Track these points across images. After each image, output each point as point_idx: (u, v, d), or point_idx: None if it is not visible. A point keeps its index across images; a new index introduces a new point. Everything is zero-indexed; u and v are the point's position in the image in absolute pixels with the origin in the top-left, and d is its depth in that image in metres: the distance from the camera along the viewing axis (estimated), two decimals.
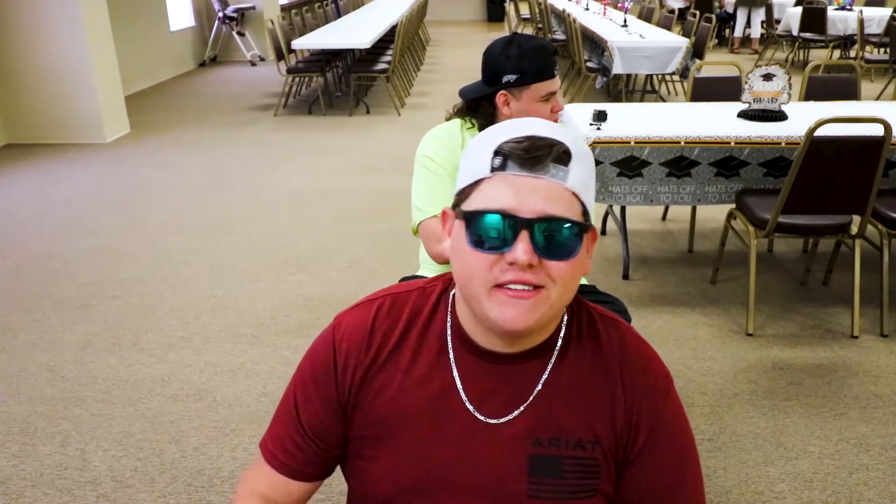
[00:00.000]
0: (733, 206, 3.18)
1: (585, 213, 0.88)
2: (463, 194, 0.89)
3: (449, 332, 0.97)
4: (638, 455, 0.95)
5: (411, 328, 0.98)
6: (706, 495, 2.06)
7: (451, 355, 0.96)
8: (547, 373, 0.94)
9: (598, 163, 3.16)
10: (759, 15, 10.57)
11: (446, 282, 1.01)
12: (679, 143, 3.12)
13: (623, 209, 3.54)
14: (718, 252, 3.42)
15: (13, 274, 3.59)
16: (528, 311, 0.85)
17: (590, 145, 3.10)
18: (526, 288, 0.84)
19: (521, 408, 0.94)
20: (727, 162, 3.16)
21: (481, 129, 1.90)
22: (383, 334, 0.98)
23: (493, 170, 0.86)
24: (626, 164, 3.17)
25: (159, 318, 3.13)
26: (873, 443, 2.30)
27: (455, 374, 0.95)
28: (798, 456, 2.24)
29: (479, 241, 0.85)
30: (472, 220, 0.86)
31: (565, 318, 0.97)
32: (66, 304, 3.27)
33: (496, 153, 0.86)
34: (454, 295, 0.98)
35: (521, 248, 0.83)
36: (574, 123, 3.26)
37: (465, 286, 0.89)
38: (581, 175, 0.87)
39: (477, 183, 0.87)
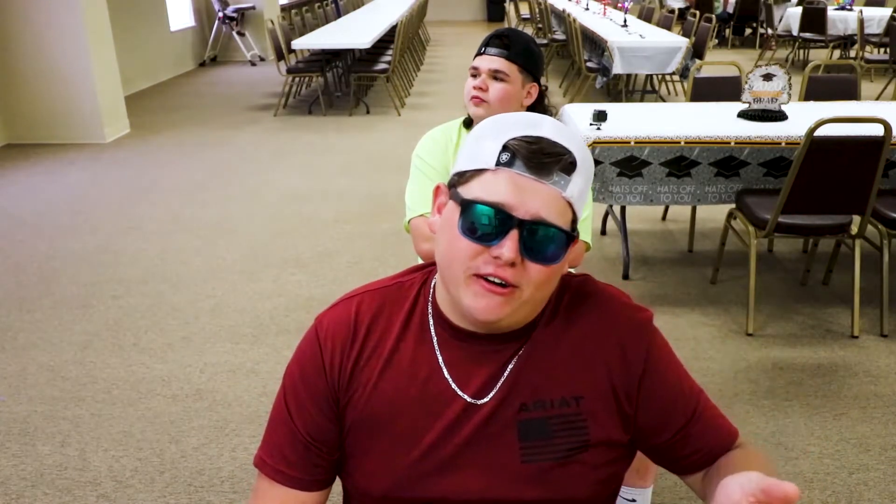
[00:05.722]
0: (733, 206, 3.18)
1: (574, 221, 0.91)
2: (463, 177, 0.90)
3: (431, 318, 0.99)
4: (640, 384, 0.97)
5: (393, 320, 0.99)
6: None
7: (435, 340, 0.98)
8: (525, 346, 0.96)
9: (598, 163, 3.16)
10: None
11: (425, 274, 1.03)
12: (679, 143, 3.12)
13: (623, 209, 3.54)
14: (718, 252, 3.42)
15: (13, 274, 3.59)
16: (499, 306, 0.87)
17: (590, 145, 3.10)
18: (501, 283, 0.86)
19: (502, 380, 0.96)
20: (727, 162, 3.16)
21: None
22: (367, 328, 0.99)
23: (498, 164, 0.87)
24: (626, 164, 3.17)
25: (159, 318, 3.13)
26: (873, 443, 2.30)
27: (439, 357, 0.97)
28: (798, 456, 2.24)
29: (470, 228, 0.87)
30: (468, 208, 0.87)
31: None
32: (66, 304, 3.27)
33: (505, 148, 0.87)
34: (435, 284, 1.00)
35: (509, 246, 0.84)
36: (574, 123, 3.26)
37: (447, 266, 0.91)
38: (580, 186, 0.90)
39: (480, 171, 0.88)
